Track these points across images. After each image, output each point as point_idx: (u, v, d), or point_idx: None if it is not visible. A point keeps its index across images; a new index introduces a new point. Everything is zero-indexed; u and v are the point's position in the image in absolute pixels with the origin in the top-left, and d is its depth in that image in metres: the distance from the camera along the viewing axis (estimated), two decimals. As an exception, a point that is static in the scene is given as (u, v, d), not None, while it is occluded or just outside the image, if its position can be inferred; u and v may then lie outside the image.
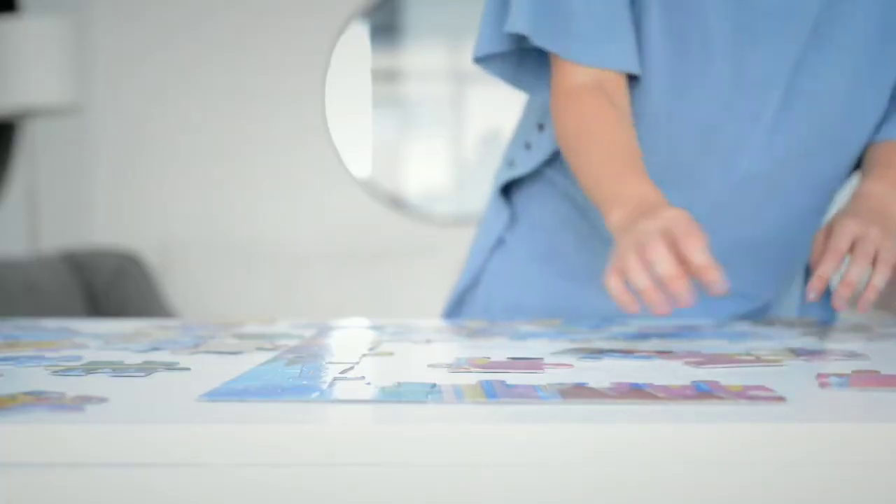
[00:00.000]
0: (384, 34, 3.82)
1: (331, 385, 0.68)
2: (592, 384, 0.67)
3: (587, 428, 0.56)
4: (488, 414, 0.60)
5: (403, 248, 3.61)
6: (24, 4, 3.21)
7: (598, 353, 0.85)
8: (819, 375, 0.72)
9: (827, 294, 1.12)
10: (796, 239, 1.18)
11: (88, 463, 0.55)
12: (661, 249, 0.85)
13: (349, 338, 1.03)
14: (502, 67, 1.15)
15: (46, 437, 0.55)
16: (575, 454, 0.55)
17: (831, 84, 1.09)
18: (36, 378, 0.72)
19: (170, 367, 0.78)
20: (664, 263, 0.85)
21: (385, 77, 3.84)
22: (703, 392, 0.65)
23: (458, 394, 0.64)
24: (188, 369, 0.77)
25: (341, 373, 0.72)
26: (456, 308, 1.29)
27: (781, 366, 0.78)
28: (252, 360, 0.81)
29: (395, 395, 0.64)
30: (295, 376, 0.71)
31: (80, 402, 0.61)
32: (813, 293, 0.98)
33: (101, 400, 0.62)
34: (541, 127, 1.20)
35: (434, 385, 0.67)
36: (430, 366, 0.78)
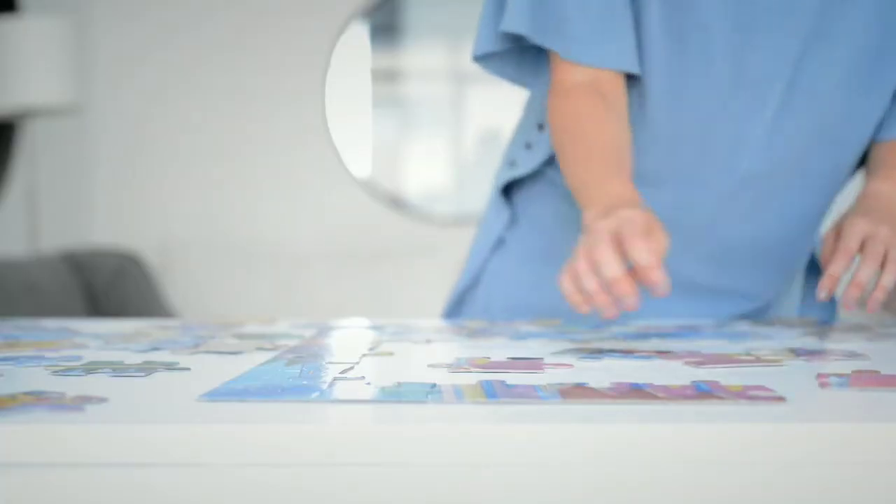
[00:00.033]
0: (384, 34, 3.82)
1: (331, 385, 0.68)
2: (592, 384, 0.67)
3: (587, 428, 0.56)
4: (488, 414, 0.60)
5: (403, 248, 3.61)
6: (24, 4, 3.21)
7: (598, 353, 0.85)
8: (819, 375, 0.72)
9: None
10: (796, 239, 1.18)
11: (88, 463, 0.55)
12: (606, 251, 0.85)
13: (349, 338, 1.03)
14: (502, 66, 1.15)
15: (46, 437, 0.55)
16: (575, 454, 0.55)
17: (831, 82, 1.09)
18: (36, 378, 0.72)
19: (170, 367, 0.78)
20: (609, 265, 0.84)
21: (385, 77, 3.84)
22: (703, 392, 0.65)
23: (458, 394, 0.64)
24: (188, 369, 0.77)
25: (341, 373, 0.72)
26: (456, 308, 1.29)
27: (781, 366, 0.78)
28: (252, 360, 0.81)
29: (395, 395, 0.64)
30: (295, 376, 0.71)
31: (80, 402, 0.61)
32: (824, 292, 0.99)
33: (101, 400, 0.62)
34: (541, 127, 1.20)
35: (434, 385, 0.67)
36: (430, 366, 0.78)
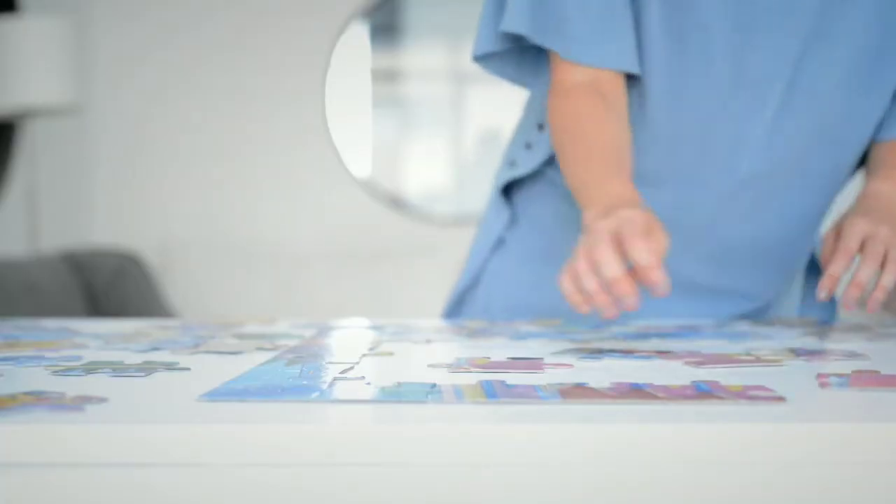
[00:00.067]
0: (384, 34, 3.82)
1: (331, 385, 0.68)
2: (592, 384, 0.67)
3: (587, 428, 0.56)
4: (488, 414, 0.60)
5: (403, 248, 3.61)
6: (24, 4, 3.21)
7: (598, 353, 0.85)
8: (819, 375, 0.72)
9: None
10: (796, 239, 1.18)
11: (88, 463, 0.55)
12: (606, 251, 0.85)
13: (349, 338, 1.03)
14: (502, 66, 1.15)
15: (46, 437, 0.55)
16: (575, 454, 0.55)
17: (831, 82, 1.09)
18: (36, 378, 0.72)
19: (170, 367, 0.78)
20: (609, 265, 0.84)
21: (385, 77, 3.84)
22: (703, 392, 0.65)
23: (458, 394, 0.64)
24: (188, 369, 0.77)
25: (341, 373, 0.72)
26: (456, 308, 1.29)
27: (781, 366, 0.78)
28: (252, 360, 0.81)
29: (395, 395, 0.64)
30: (295, 376, 0.71)
31: (80, 402, 0.61)
32: (824, 292, 0.99)
33: (101, 400, 0.62)
34: (541, 127, 1.20)
35: (434, 385, 0.67)
36: (430, 366, 0.78)
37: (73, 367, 0.77)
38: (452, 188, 3.88)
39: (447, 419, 0.59)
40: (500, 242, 1.26)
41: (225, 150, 3.68)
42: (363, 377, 0.71)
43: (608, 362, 0.80)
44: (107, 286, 3.07)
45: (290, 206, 3.69)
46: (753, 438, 0.56)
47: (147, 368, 0.76)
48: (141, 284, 3.22)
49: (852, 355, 0.84)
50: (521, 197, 1.25)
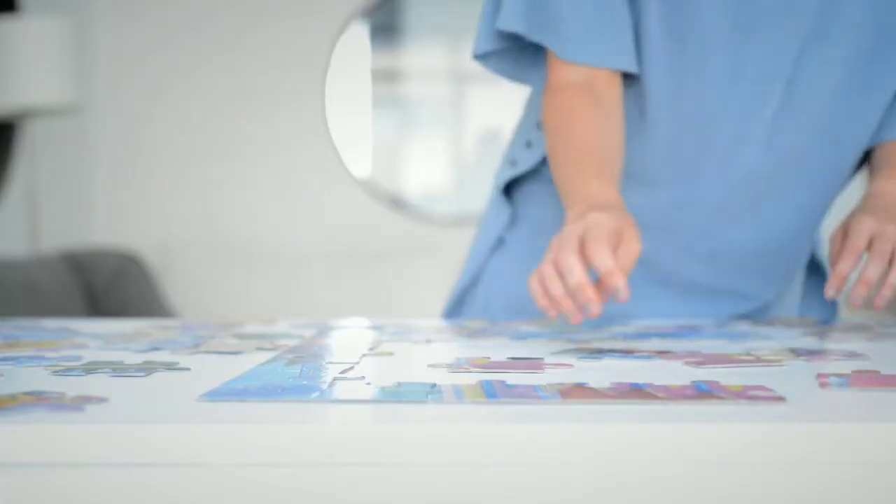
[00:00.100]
0: (384, 34, 3.82)
1: (331, 385, 0.68)
2: (592, 384, 0.67)
3: (587, 428, 0.56)
4: (488, 414, 0.60)
5: (403, 248, 3.61)
6: (24, 4, 3.21)
7: (598, 353, 0.85)
8: (819, 375, 0.72)
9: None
10: (796, 238, 1.18)
11: (88, 463, 0.55)
12: (570, 257, 0.85)
13: (349, 338, 1.03)
14: (501, 64, 1.15)
15: (46, 437, 0.55)
16: (575, 454, 0.55)
17: (831, 81, 1.09)
18: (36, 378, 0.72)
19: (170, 367, 0.78)
20: (572, 272, 0.84)
21: (385, 77, 3.84)
22: (703, 392, 0.65)
23: (458, 394, 0.64)
24: (188, 369, 0.77)
25: (341, 373, 0.72)
26: (456, 308, 1.29)
27: (781, 366, 0.78)
28: (252, 360, 0.81)
29: (395, 395, 0.64)
30: (295, 376, 0.71)
31: (80, 402, 0.61)
32: (832, 291, 0.99)
33: (101, 400, 0.62)
34: (540, 125, 1.20)
35: (434, 385, 0.67)
36: (430, 366, 0.78)
37: (73, 367, 0.77)
38: (452, 188, 3.88)
39: (447, 419, 0.58)
40: (500, 242, 1.26)
41: (225, 150, 3.68)
42: (363, 377, 0.71)
43: (608, 362, 0.80)
44: (107, 286, 3.07)
45: (290, 206, 3.69)
46: (753, 438, 0.56)
47: (147, 368, 0.76)
48: (141, 284, 3.22)
49: (852, 355, 0.84)
50: (521, 197, 1.25)
